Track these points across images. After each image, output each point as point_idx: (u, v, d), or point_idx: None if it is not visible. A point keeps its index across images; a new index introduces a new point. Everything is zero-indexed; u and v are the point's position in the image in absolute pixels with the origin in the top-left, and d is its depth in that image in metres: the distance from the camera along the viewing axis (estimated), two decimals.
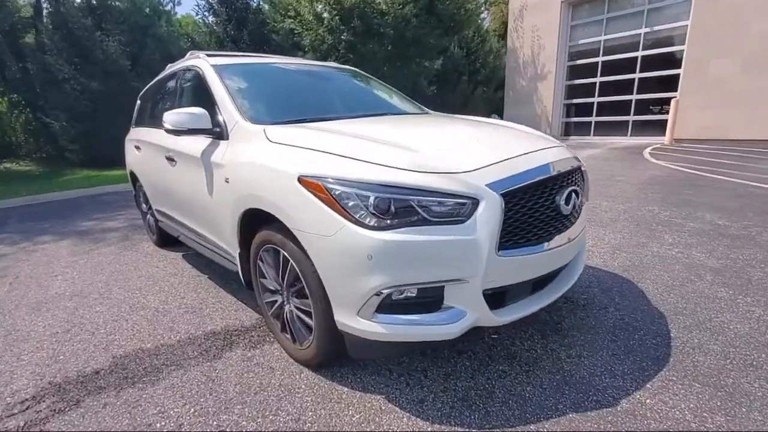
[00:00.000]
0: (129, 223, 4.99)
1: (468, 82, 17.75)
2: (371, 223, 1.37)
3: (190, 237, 2.73)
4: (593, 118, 12.34)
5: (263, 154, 1.76)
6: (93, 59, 9.99)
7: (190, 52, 3.05)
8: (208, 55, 2.68)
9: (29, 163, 12.45)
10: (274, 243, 1.76)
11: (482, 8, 14.03)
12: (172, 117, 2.11)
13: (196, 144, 2.32)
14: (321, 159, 1.53)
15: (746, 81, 9.02)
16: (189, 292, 2.79)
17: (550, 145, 1.87)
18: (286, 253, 1.70)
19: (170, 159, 2.67)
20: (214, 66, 2.45)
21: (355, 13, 10.68)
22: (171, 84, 3.07)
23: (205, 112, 2.13)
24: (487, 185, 1.43)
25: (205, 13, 13.74)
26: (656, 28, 10.52)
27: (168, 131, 2.16)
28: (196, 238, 2.62)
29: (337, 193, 1.41)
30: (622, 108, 11.50)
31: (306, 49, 13.37)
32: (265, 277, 1.98)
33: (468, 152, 1.63)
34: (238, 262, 2.12)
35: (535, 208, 1.56)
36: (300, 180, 1.50)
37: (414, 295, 1.44)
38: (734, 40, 9.07)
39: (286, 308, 1.89)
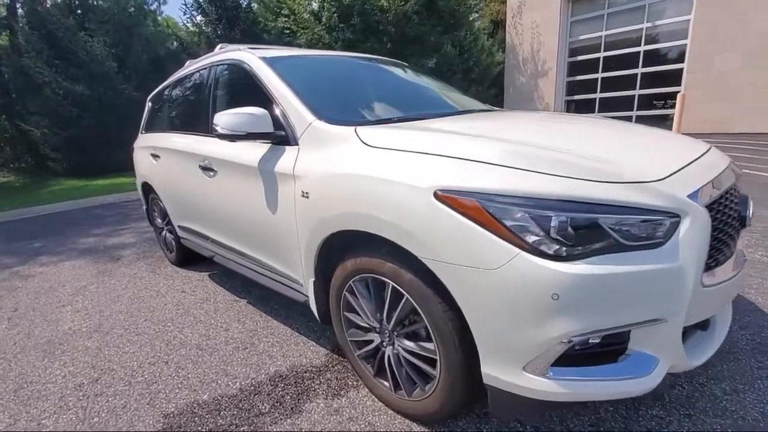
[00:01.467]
0: (136, 238, 4.52)
1: (462, 80, 17.56)
2: (554, 252, 1.03)
3: (233, 259, 2.34)
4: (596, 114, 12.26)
5: (366, 163, 1.40)
6: (76, 61, 9.36)
7: (219, 46, 2.66)
8: (249, 48, 2.30)
9: (7, 174, 11.69)
10: (379, 273, 1.41)
11: (481, 4, 13.82)
12: (228, 119, 1.73)
13: (249, 151, 1.94)
14: (462, 168, 1.18)
15: (751, 75, 9.02)
16: (232, 322, 2.40)
17: (704, 144, 1.57)
18: (398, 287, 1.35)
19: (207, 168, 2.28)
20: (264, 59, 2.07)
21: (354, 10, 10.30)
22: (197, 83, 2.66)
23: (266, 112, 1.76)
24: (688, 196, 1.11)
25: (193, 13, 13.19)
26: (658, 22, 10.47)
27: (221, 136, 1.78)
28: (243, 260, 2.23)
29: (500, 212, 1.07)
30: (625, 104, 11.43)
31: (301, 48, 12.94)
32: (355, 312, 1.62)
33: (641, 156, 1.31)
34: (311, 292, 1.75)
35: (728, 222, 1.25)
36: (437, 195, 1.15)
37: (597, 341, 1.11)
38: (738, 35, 9.05)
39: (387, 350, 1.53)
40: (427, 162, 1.26)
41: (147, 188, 3.44)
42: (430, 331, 1.31)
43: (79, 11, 10.10)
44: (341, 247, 1.58)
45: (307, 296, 1.83)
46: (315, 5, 10.99)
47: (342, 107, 1.91)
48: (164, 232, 3.46)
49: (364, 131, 1.51)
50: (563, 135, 1.61)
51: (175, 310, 2.62)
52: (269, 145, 1.85)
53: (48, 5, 9.78)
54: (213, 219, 2.41)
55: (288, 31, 13.71)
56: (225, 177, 2.15)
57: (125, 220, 5.49)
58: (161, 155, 2.94)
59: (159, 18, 13.45)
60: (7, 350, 2.29)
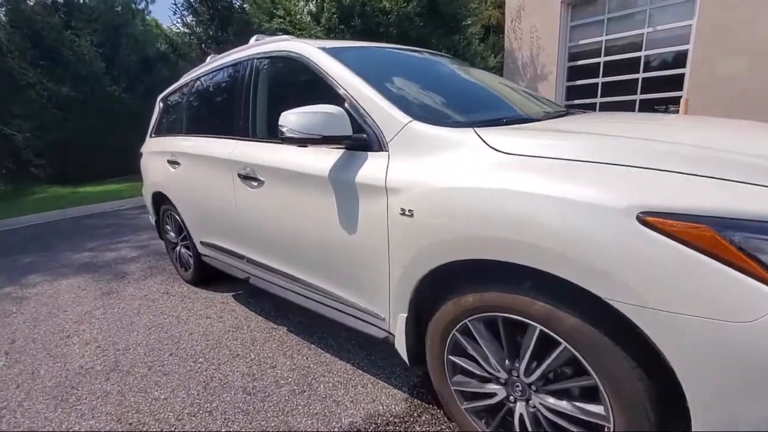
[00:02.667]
0: (138, 252, 4.10)
1: None
2: None
3: (280, 284, 2.00)
4: None
5: (508, 174, 1.09)
6: (62, 61, 8.80)
7: (254, 38, 2.33)
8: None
9: None
10: (519, 312, 1.11)
11: (481, 7, 13.71)
12: (298, 120, 1.41)
13: (312, 157, 1.63)
14: (669, 182, 0.89)
15: (755, 79, 9.07)
16: (277, 357, 2.05)
17: None
18: (551, 332, 1.05)
19: (249, 178, 1.94)
20: (327, 49, 1.75)
21: (355, 12, 10.02)
22: (230, 79, 2.32)
23: (343, 111, 1.45)
24: None
25: (184, 13, 12.73)
26: (659, 27, 10.50)
27: (288, 140, 1.45)
28: (294, 285, 1.89)
29: (749, 244, 0.78)
30: (627, 108, 11.43)
31: None
32: (468, 357, 1.31)
33: None
34: (400, 330, 1.43)
35: None
36: (644, 219, 0.86)
37: None
38: (742, 39, 9.11)
39: (518, 407, 1.22)
40: (612, 174, 0.96)
41: (160, 199, 3.06)
42: (601, 391, 1.01)
43: (64, 9, 9.52)
44: (453, 278, 1.27)
45: (390, 333, 1.51)
46: (312, 6, 10.70)
47: (430, 106, 1.60)
48: (179, 248, 3.08)
49: (490, 134, 1.21)
50: (736, 138, 1.34)
51: (204, 342, 2.25)
52: (342, 150, 1.54)
53: (31, 3, 9.19)
54: (253, 236, 2.07)
55: (281, 33, 13.38)
56: (276, 188, 1.82)
57: (122, 231, 5.04)
58: (182, 162, 2.57)
59: (147, 18, 12.89)
60: (10, 397, 1.90)
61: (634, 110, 11.37)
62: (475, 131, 1.23)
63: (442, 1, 10.89)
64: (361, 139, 1.46)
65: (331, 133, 1.42)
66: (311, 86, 1.75)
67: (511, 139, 1.19)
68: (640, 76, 11.13)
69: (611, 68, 11.63)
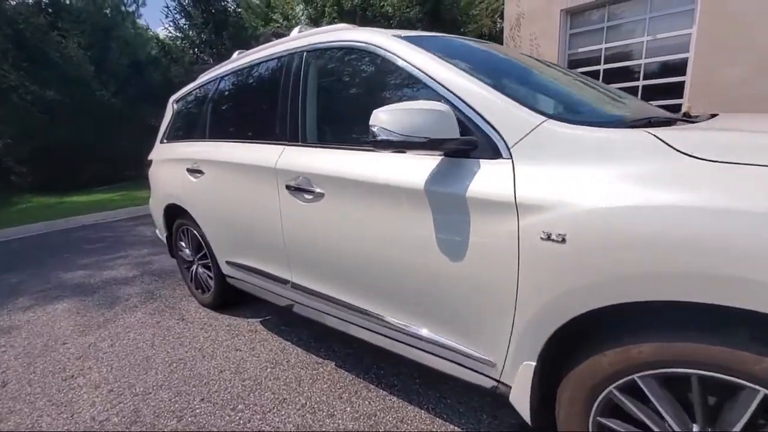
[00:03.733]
0: (138, 269, 3.71)
1: None
2: None
3: (341, 316, 1.68)
4: None
5: (720, 186, 0.81)
6: (48, 63, 8.34)
7: (297, 29, 2.04)
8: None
9: None
10: (731, 370, 0.83)
11: (489, 12, 13.70)
12: (396, 118, 1.12)
13: (398, 165, 1.34)
14: None
15: (756, 88, 9.15)
16: (334, 401, 1.73)
17: None
18: None
19: (302, 190, 1.63)
20: (405, 38, 1.47)
21: (357, 16, 9.81)
22: (270, 76, 2.01)
23: (450, 109, 1.16)
24: None
25: (176, 16, 12.34)
26: (659, 36, 10.57)
27: (382, 143, 1.15)
28: (362, 320, 1.58)
29: None
30: None
31: None
32: (628, 420, 1.02)
33: None
34: (523, 381, 1.14)
35: None
36: None
37: None
38: (742, 47, 9.19)
39: None
40: None
41: (173, 212, 2.71)
42: None
43: (50, 10, 9.06)
44: (610, 320, 0.99)
45: (503, 383, 1.22)
46: (311, 10, 10.44)
47: (563, 103, 1.33)
48: (195, 268, 2.73)
49: (671, 135, 0.94)
50: None
51: (239, 382, 1.91)
52: (436, 157, 1.25)
53: (14, 2, 8.72)
54: (304, 258, 1.75)
55: (276, 38, 13.08)
56: (342, 202, 1.51)
57: (118, 246, 4.63)
58: (206, 171, 2.24)
59: (137, 21, 12.47)
60: None
61: None
62: (649, 132, 0.96)
63: (443, 7, 10.82)
64: (471, 143, 1.18)
65: (437, 135, 1.13)
66: (386, 82, 1.47)
67: (702, 140, 0.92)
68: (640, 83, 11.20)
69: (611, 75, 11.66)
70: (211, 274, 2.57)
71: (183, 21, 12.41)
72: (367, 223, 1.43)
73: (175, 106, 2.82)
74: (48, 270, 3.89)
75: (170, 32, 12.41)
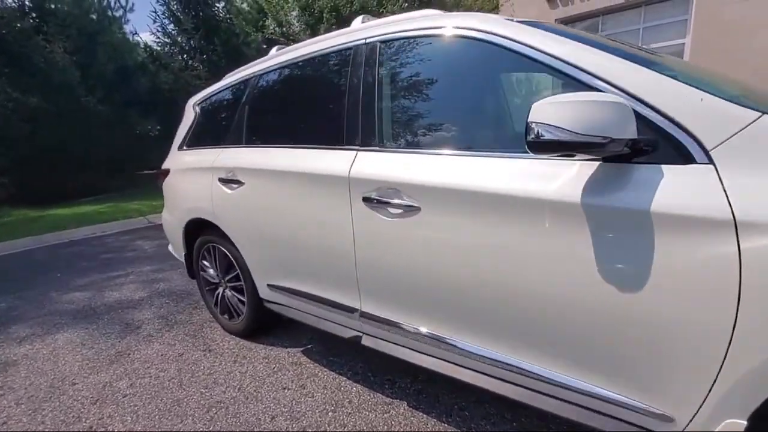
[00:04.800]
0: (144, 290, 3.35)
1: None
2: None
3: (430, 352, 1.41)
4: None
5: None
6: (31, 69, 7.85)
7: (360, 19, 1.80)
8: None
9: None
10: None
11: None
12: (570, 112, 0.88)
13: (529, 173, 1.09)
14: None
15: None
16: None
17: None
18: None
19: (386, 203, 1.37)
20: (527, 23, 1.24)
21: None
22: (331, 72, 1.76)
23: (626, 102, 0.93)
24: None
25: (165, 21, 11.94)
26: (653, 45, 10.73)
27: (551, 146, 0.91)
28: (469, 360, 1.31)
29: None
30: None
31: None
32: None
33: None
34: None
35: None
36: None
37: None
38: (737, 55, 9.37)
39: None
40: None
41: (197, 227, 2.39)
42: None
43: (34, 14, 8.58)
44: None
45: None
46: (307, 16, 10.22)
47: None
48: (222, 291, 2.41)
49: None
50: None
51: None
52: (594, 163, 1.01)
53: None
54: (384, 284, 1.48)
55: (264, 46, 12.82)
56: (448, 218, 1.25)
57: (116, 263, 4.23)
58: (247, 181, 1.95)
59: (124, 27, 12.00)
60: None
61: None
62: None
63: None
64: (649, 144, 0.94)
65: (619, 134, 0.89)
66: (502, 75, 1.23)
67: None
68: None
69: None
70: (243, 298, 2.26)
71: (171, 27, 12.06)
72: (489, 245, 1.17)
73: (197, 109, 2.52)
74: (40, 292, 3.48)
75: (158, 38, 12.02)
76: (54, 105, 8.04)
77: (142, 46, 11.75)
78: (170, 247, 2.98)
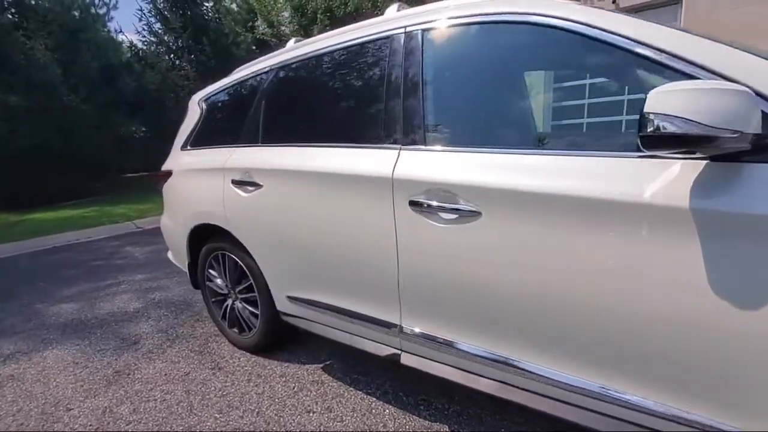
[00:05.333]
0: (141, 302, 3.11)
1: None
2: None
3: (493, 376, 1.26)
4: None
5: None
6: (10, 66, 7.46)
7: (397, 5, 1.64)
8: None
9: None
10: None
11: None
12: (697, 102, 0.76)
13: (603, 171, 0.97)
14: None
15: None
16: None
17: None
18: None
19: (439, 208, 1.22)
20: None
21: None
22: (358, 64, 1.60)
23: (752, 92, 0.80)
24: None
25: (151, 20, 11.60)
26: None
27: (677, 141, 0.78)
28: (545, 386, 1.17)
29: None
30: (614, 127, 11.67)
31: None
32: None
33: None
34: None
35: None
36: None
37: None
38: None
39: None
40: None
41: (203, 233, 2.20)
42: None
43: (13, 10, 8.17)
44: None
45: None
46: (300, 18, 10.03)
47: None
48: (232, 302, 2.22)
49: None
50: None
51: None
52: (701, 163, 0.88)
53: None
54: (433, 298, 1.33)
55: (255, 47, 12.58)
56: (519, 225, 1.11)
57: (105, 271, 3.97)
58: (266, 183, 1.77)
59: (109, 24, 11.61)
60: None
61: (621, 130, 11.66)
62: None
63: None
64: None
65: (745, 128, 0.76)
66: (579, 67, 1.09)
67: None
68: (626, 98, 11.50)
69: (596, 90, 11.96)
70: (256, 311, 2.08)
71: (158, 25, 11.72)
72: (568, 256, 1.03)
73: (204, 105, 2.33)
74: (24, 304, 3.21)
75: (144, 37, 11.66)
76: (35, 104, 7.65)
77: (127, 45, 11.36)
78: (170, 255, 2.77)
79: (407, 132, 1.37)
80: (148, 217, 6.78)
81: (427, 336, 1.37)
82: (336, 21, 9.66)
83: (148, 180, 2.76)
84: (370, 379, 1.91)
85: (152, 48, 11.66)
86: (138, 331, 2.60)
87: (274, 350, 2.20)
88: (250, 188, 1.85)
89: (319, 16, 9.47)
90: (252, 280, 2.02)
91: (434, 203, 1.24)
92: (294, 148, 1.74)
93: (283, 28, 10.51)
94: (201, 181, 2.15)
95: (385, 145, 1.42)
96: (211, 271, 2.29)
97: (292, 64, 1.84)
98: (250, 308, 2.12)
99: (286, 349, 2.22)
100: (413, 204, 1.29)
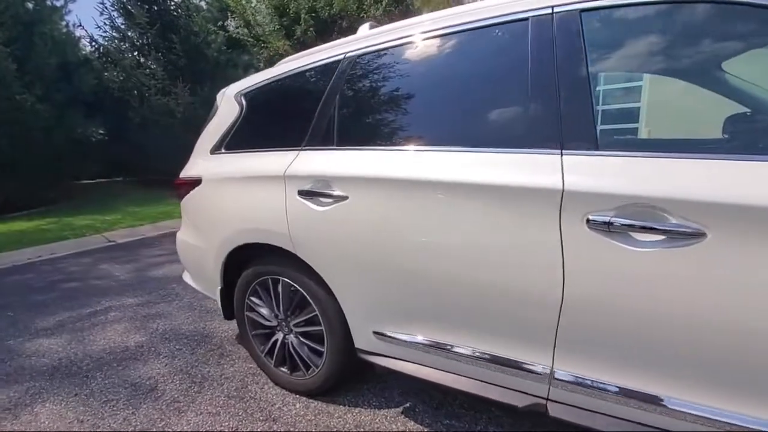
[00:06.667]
0: (141, 333, 2.62)
1: None
2: None
3: None
4: None
5: None
6: None
7: None
8: None
9: None
10: None
11: None
12: None
13: None
14: None
15: None
16: None
17: None
18: None
19: (637, 228, 0.97)
20: None
21: (335, 27, 9.18)
22: (480, 51, 1.33)
23: None
24: None
25: (113, 14, 10.68)
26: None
27: None
28: None
29: None
30: None
31: (255, 64, 11.27)
32: None
33: None
34: None
35: None
36: None
37: None
38: None
39: None
40: None
41: (244, 254, 1.83)
42: None
43: None
44: None
45: None
46: (282, 19, 9.58)
47: None
48: (283, 336, 1.85)
49: None
50: None
51: None
52: None
53: None
54: (617, 338, 1.06)
55: (226, 47, 11.97)
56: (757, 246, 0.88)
57: (83, 295, 3.40)
58: (353, 194, 1.43)
59: (66, 17, 10.52)
60: None
61: None
62: None
63: None
64: None
65: None
66: None
67: None
68: (600, 108, 11.96)
69: None
70: (320, 347, 1.72)
71: (121, 20, 10.82)
72: None
73: (244, 101, 1.95)
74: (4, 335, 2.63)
75: (106, 32, 10.72)
76: None
77: (87, 40, 10.38)
78: (187, 277, 2.35)
79: (571, 133, 1.11)
80: (118, 229, 6.09)
81: (603, 386, 1.10)
82: (320, 21, 9.34)
83: (173, 186, 2.26)
84: (466, 425, 1.62)
85: (114, 44, 10.74)
86: (150, 373, 2.15)
87: (332, 392, 1.85)
88: (327, 200, 1.51)
89: (303, 16, 9.10)
90: (318, 312, 1.67)
91: (627, 222, 0.99)
92: (393, 151, 1.42)
93: (261, 28, 10.00)
94: (248, 191, 1.77)
95: (539, 150, 1.14)
96: (253, 299, 1.91)
97: (382, 51, 1.52)
98: (311, 344, 1.77)
99: (348, 389, 1.87)
100: (593, 223, 1.03)
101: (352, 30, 8.69)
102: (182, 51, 10.55)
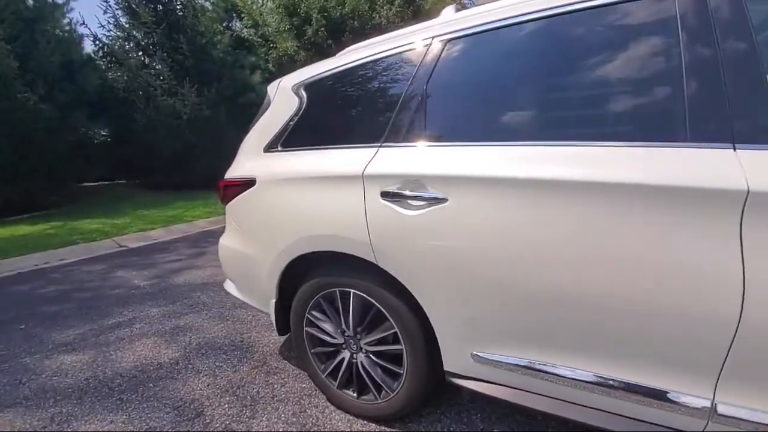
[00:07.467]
0: (177, 348, 2.41)
1: None
2: None
3: None
4: None
5: None
6: None
7: None
8: None
9: None
10: None
11: None
12: None
13: None
14: None
15: None
16: None
17: None
18: None
19: None
20: None
21: (346, 27, 9.03)
22: (631, 27, 1.15)
23: None
24: None
25: (117, 13, 10.47)
26: None
27: None
28: None
29: None
30: None
31: (261, 65, 11.07)
32: None
33: None
34: None
35: None
36: None
37: None
38: None
39: None
40: None
41: (303, 264, 1.63)
42: None
43: None
44: None
45: None
46: (294, 19, 9.41)
47: None
48: (351, 355, 1.66)
49: None
50: None
51: None
52: None
53: None
54: None
55: (230, 48, 11.78)
56: None
57: (102, 305, 3.17)
58: (453, 195, 1.24)
59: (69, 15, 10.30)
60: None
61: None
62: None
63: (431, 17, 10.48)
64: None
65: None
66: None
67: None
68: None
69: None
70: (397, 369, 1.53)
71: (126, 19, 10.61)
72: None
73: (304, 94, 1.76)
74: (5, 359, 2.40)
75: (110, 30, 10.51)
76: None
77: (91, 39, 10.16)
78: (230, 287, 2.15)
79: (743, 123, 0.93)
80: (129, 234, 5.85)
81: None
82: (332, 23, 9.17)
83: (218, 190, 2.05)
84: None
85: (118, 43, 10.52)
86: (193, 394, 1.94)
87: (406, 417, 1.65)
88: (418, 203, 1.32)
89: (315, 15, 8.94)
90: (398, 329, 1.48)
91: None
92: (506, 146, 1.23)
93: (269, 27, 9.81)
94: (317, 194, 1.57)
95: (698, 143, 0.96)
96: (316, 313, 1.71)
97: (485, 32, 1.33)
98: (385, 364, 1.57)
99: (421, 414, 1.67)
100: None
101: (363, 30, 8.56)
102: (188, 51, 10.36)
